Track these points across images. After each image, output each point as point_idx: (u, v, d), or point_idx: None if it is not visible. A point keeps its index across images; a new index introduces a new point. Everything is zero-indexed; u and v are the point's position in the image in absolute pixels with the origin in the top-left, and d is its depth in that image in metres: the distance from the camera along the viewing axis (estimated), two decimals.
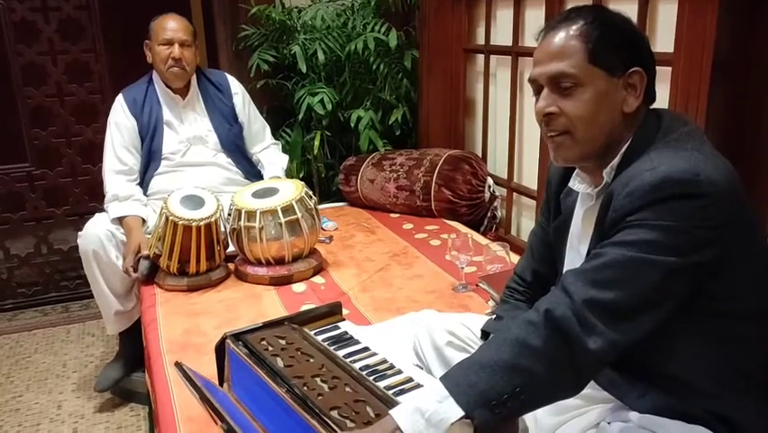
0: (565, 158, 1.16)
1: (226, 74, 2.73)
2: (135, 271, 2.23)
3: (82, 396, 2.57)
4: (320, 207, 2.52)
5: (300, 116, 3.06)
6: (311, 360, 1.31)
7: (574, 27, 1.11)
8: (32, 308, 3.36)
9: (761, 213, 1.71)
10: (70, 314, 3.30)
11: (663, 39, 1.91)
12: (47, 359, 2.86)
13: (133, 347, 2.44)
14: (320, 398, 1.16)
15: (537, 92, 1.16)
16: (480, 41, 2.94)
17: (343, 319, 1.57)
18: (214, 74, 2.70)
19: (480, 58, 2.96)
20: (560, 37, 1.12)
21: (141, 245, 2.26)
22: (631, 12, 1.97)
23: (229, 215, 2.27)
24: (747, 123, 1.75)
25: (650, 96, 1.15)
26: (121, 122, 2.50)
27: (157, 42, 2.46)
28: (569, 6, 2.32)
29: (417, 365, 1.42)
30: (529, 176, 2.70)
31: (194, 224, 2.13)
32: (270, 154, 2.75)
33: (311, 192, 2.33)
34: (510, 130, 2.74)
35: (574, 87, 1.10)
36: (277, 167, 2.69)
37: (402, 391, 1.21)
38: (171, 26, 2.46)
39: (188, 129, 2.57)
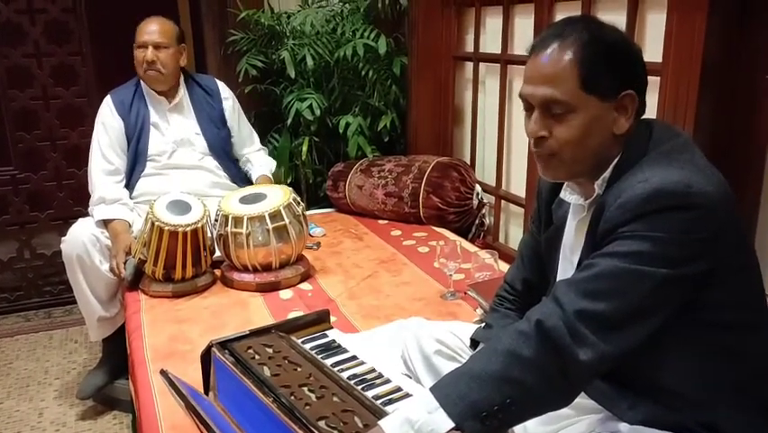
0: (554, 176, 1.17)
1: (216, 79, 2.72)
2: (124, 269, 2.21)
3: (64, 403, 2.53)
4: (308, 213, 2.51)
5: (289, 122, 3.05)
6: (298, 369, 1.30)
7: (567, 47, 1.08)
8: (14, 313, 3.31)
9: (749, 223, 1.72)
10: (53, 320, 3.25)
11: (652, 49, 1.92)
12: (29, 365, 2.82)
13: (117, 354, 2.41)
14: (307, 408, 1.15)
15: (528, 109, 1.15)
16: (470, 48, 2.94)
17: (331, 327, 1.56)
18: (203, 78, 2.69)
19: (469, 65, 2.96)
20: (553, 58, 1.08)
21: (132, 246, 2.24)
22: (620, 21, 1.98)
23: (216, 220, 2.25)
24: (736, 132, 1.76)
25: (641, 109, 1.14)
26: (108, 122, 2.48)
27: (135, 45, 2.46)
28: (558, 15, 2.33)
29: (406, 374, 1.41)
30: (517, 184, 2.71)
31: (180, 229, 2.11)
32: (259, 157, 2.76)
33: (299, 198, 2.32)
34: (499, 138, 2.74)
35: (566, 114, 1.08)
36: (265, 168, 2.71)
37: (391, 401, 1.20)
38: (148, 29, 2.46)
39: (175, 131, 2.55)
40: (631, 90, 1.09)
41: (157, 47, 2.44)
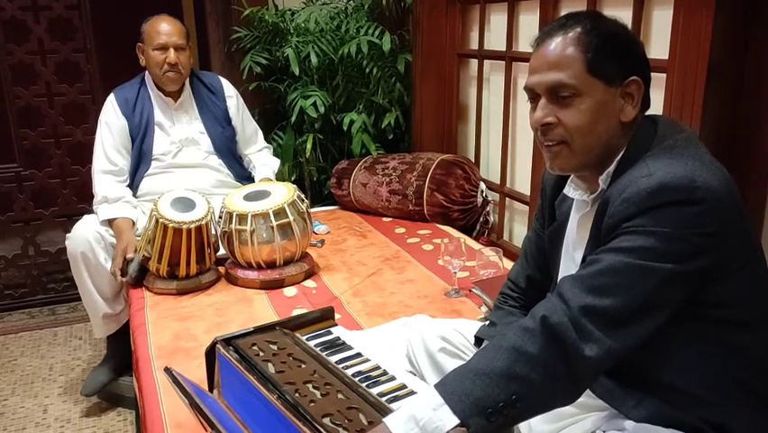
0: (562, 167, 1.16)
1: (220, 77, 2.71)
2: (123, 274, 2.21)
3: (68, 400, 2.53)
4: (312, 210, 2.50)
5: (293, 119, 3.05)
6: (303, 366, 1.30)
7: (572, 35, 1.10)
8: (18, 310, 3.31)
9: (754, 219, 1.71)
10: (57, 317, 3.26)
11: (658, 45, 1.91)
12: (33, 362, 2.83)
13: (121, 351, 2.42)
14: (312, 405, 1.15)
15: (533, 100, 1.15)
16: (474, 45, 2.94)
17: (336, 324, 1.56)
18: (207, 76, 2.68)
19: (474, 62, 2.96)
20: (557, 45, 1.10)
21: (129, 247, 2.23)
22: (626, 18, 1.96)
23: (220, 217, 2.25)
24: (742, 129, 1.75)
25: (645, 102, 1.14)
26: (112, 121, 2.47)
27: (151, 47, 2.43)
28: (563, 12, 2.32)
29: (410, 372, 1.40)
30: (522, 181, 2.70)
31: (184, 226, 2.11)
32: (262, 157, 2.74)
33: (303, 195, 2.31)
34: (503, 135, 2.73)
35: (573, 98, 1.09)
36: (267, 169, 2.68)
37: (395, 398, 1.19)
38: (165, 30, 2.43)
39: (180, 131, 2.55)
40: (636, 77, 1.10)
41: (177, 48, 2.42)
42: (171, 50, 2.41)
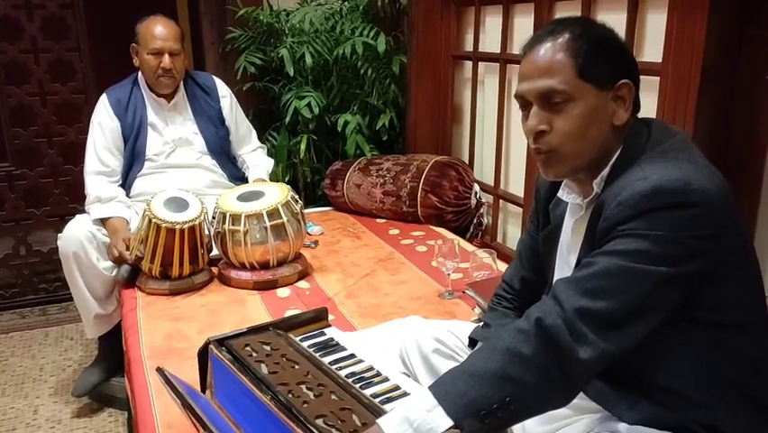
0: (556, 173, 1.16)
1: (214, 77, 2.70)
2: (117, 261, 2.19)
3: (59, 401, 2.52)
4: (306, 211, 2.50)
5: (287, 120, 3.04)
6: (296, 367, 1.29)
7: (561, 41, 1.10)
8: (9, 310, 3.29)
9: (748, 221, 1.72)
10: (48, 317, 3.24)
11: (652, 49, 1.92)
12: (24, 363, 2.81)
13: (113, 352, 2.40)
14: (305, 405, 1.14)
15: (524, 108, 1.15)
16: (469, 47, 2.94)
17: (329, 325, 1.55)
18: (200, 76, 2.67)
19: (469, 64, 2.96)
20: (547, 51, 1.10)
21: (126, 244, 2.22)
22: (620, 22, 1.98)
23: (213, 218, 2.24)
24: (735, 132, 1.75)
25: (636, 106, 1.15)
26: (104, 122, 2.45)
27: (146, 50, 2.40)
28: (558, 14, 2.33)
29: (404, 373, 1.40)
30: (516, 183, 2.70)
31: (177, 226, 2.10)
32: (256, 157, 2.73)
33: (297, 196, 2.31)
34: (497, 137, 2.74)
35: (565, 103, 1.09)
36: (261, 169, 2.67)
37: (389, 400, 1.19)
38: (161, 34, 2.40)
39: (174, 131, 2.53)
40: (627, 80, 1.10)
41: (172, 53, 2.40)
42: (166, 56, 2.39)
